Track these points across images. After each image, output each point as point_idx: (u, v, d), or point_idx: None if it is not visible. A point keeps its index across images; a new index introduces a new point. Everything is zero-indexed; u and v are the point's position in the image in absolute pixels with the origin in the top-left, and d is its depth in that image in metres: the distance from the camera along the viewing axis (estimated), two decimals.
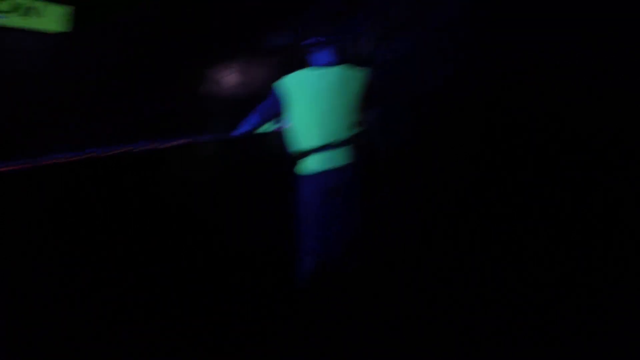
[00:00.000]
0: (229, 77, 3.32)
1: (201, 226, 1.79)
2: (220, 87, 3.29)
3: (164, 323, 1.65)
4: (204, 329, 1.72)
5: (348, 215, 1.90)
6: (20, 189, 1.38)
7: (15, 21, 2.42)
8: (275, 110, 1.92)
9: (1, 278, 1.30)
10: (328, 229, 1.90)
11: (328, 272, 1.92)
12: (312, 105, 1.84)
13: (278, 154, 2.03)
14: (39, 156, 1.53)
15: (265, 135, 2.16)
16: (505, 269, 1.97)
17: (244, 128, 1.99)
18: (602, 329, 1.47)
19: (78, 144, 1.83)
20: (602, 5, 1.43)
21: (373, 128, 2.63)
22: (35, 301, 1.37)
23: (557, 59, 1.68)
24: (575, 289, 1.63)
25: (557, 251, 1.72)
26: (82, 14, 2.59)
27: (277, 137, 2.13)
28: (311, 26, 1.92)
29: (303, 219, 1.92)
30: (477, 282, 2.10)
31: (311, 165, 1.87)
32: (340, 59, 1.92)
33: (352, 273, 1.93)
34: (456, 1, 2.56)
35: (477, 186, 2.27)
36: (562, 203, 1.69)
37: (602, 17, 1.42)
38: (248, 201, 1.98)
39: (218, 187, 1.89)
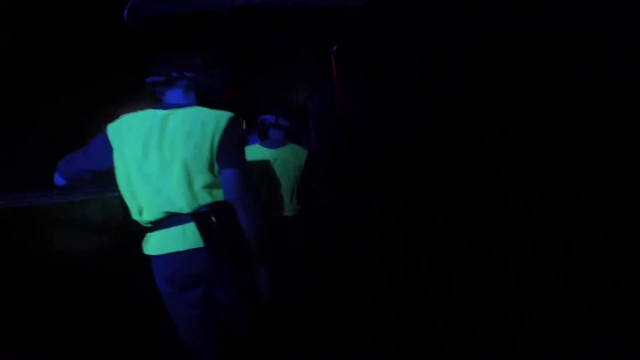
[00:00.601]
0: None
1: None
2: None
3: None
4: None
5: (212, 320, 1.35)
6: None
7: None
8: (93, 165, 1.32)
9: None
10: (185, 334, 1.37)
11: None
12: (142, 159, 1.28)
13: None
14: None
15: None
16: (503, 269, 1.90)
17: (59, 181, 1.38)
18: (601, 329, 1.42)
19: None
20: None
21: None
22: None
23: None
24: (573, 291, 1.57)
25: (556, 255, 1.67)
26: None
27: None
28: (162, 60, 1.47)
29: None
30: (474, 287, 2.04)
31: (148, 246, 1.32)
32: (192, 101, 1.42)
33: None
34: None
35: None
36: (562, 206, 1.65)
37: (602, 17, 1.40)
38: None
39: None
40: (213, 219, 1.23)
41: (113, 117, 1.35)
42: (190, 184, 1.26)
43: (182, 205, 1.26)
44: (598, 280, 1.46)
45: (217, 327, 1.37)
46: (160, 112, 1.32)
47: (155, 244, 1.30)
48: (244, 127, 6.91)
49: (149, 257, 1.33)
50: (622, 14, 1.32)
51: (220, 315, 1.36)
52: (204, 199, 1.27)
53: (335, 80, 3.55)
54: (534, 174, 1.79)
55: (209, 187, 1.29)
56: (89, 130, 1.39)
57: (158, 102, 1.41)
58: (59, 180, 1.35)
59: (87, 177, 1.33)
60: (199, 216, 1.24)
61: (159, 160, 1.27)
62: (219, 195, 1.30)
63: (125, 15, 2.67)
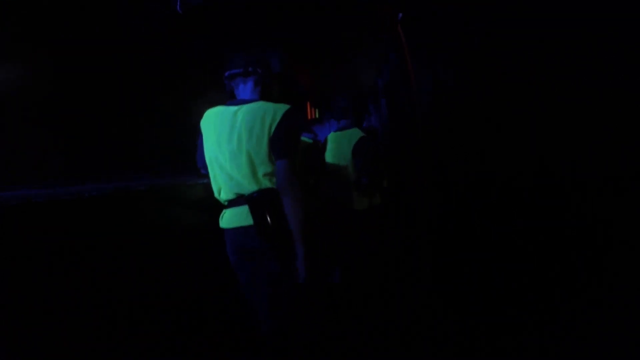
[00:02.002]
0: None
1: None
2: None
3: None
4: None
5: (263, 287, 1.50)
6: None
7: None
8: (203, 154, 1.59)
9: None
10: (249, 296, 1.57)
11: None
12: (217, 150, 1.49)
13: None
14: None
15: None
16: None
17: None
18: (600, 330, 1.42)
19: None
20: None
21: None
22: None
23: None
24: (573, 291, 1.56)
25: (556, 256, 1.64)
26: None
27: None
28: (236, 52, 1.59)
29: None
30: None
31: (222, 220, 1.56)
32: (258, 95, 1.55)
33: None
34: None
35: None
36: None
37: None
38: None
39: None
40: (259, 203, 1.44)
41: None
42: (254, 172, 1.45)
43: (249, 188, 1.46)
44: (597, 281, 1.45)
45: (268, 295, 1.51)
46: (231, 109, 1.52)
47: (227, 219, 1.54)
48: (316, 115, 6.78)
49: (223, 230, 1.57)
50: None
51: (271, 285, 1.50)
52: (266, 184, 1.46)
53: (405, 52, 3.13)
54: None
55: (270, 174, 1.47)
56: None
57: (232, 96, 1.60)
58: (201, 168, 1.64)
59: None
60: (250, 200, 1.46)
61: (229, 152, 1.47)
62: (268, 180, 1.48)
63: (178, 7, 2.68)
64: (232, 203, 1.51)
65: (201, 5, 2.61)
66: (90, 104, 2.13)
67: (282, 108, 1.47)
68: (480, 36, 2.07)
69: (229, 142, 1.46)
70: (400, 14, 2.95)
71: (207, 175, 1.60)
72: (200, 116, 1.60)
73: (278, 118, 1.44)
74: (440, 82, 2.75)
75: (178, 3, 2.63)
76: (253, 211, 1.44)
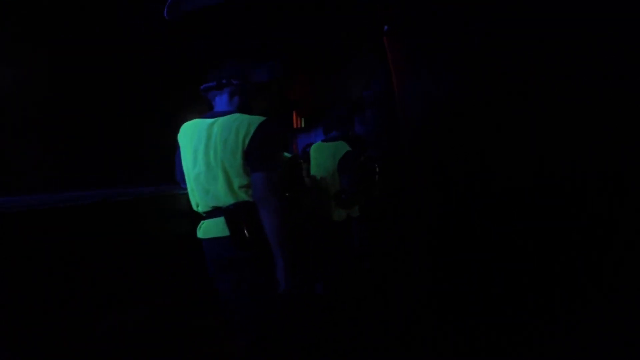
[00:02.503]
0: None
1: None
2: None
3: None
4: None
5: (241, 297, 1.49)
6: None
7: None
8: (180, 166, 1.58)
9: None
10: (226, 306, 1.56)
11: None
12: (194, 162, 1.49)
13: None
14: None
15: None
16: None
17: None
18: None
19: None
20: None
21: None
22: None
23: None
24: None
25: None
26: None
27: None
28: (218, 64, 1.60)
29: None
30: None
31: (200, 230, 1.55)
32: (235, 107, 1.56)
33: None
34: None
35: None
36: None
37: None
38: None
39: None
40: (235, 215, 1.43)
41: None
42: (230, 184, 1.44)
43: (225, 200, 1.45)
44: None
45: (247, 306, 1.50)
46: (207, 121, 1.50)
47: (204, 230, 1.53)
48: (302, 124, 6.78)
49: (200, 241, 1.56)
50: None
51: (250, 296, 1.49)
52: (242, 196, 1.44)
53: (390, 64, 3.16)
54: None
55: (246, 186, 1.45)
56: None
57: (210, 108, 1.59)
58: (181, 182, 1.62)
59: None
60: (227, 212, 1.44)
61: (205, 164, 1.46)
62: (244, 192, 1.46)
63: (165, 13, 2.67)
64: (209, 215, 1.51)
65: (188, 12, 2.60)
66: (88, 106, 2.11)
67: (256, 120, 1.44)
68: (480, 36, 2.09)
69: (205, 154, 1.45)
70: (386, 27, 2.99)
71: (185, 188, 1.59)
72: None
73: (252, 130, 1.42)
74: (439, 82, 2.77)
75: (165, 9, 2.63)
76: (229, 223, 1.43)
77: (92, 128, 2.17)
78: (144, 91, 2.57)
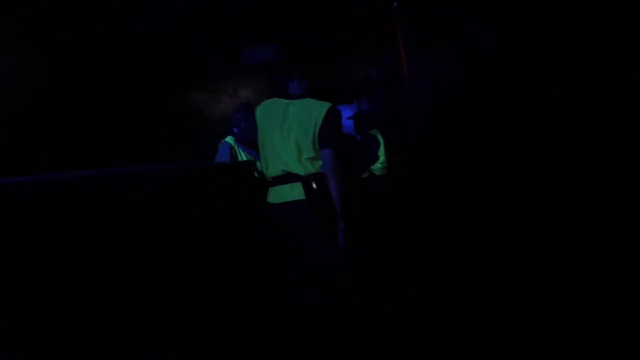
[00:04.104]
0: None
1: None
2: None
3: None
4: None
5: (310, 253, 1.80)
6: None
7: None
8: (250, 137, 2.01)
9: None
10: (294, 264, 1.85)
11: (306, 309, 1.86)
12: (272, 133, 1.83)
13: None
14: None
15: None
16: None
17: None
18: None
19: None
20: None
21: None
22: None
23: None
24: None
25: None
26: None
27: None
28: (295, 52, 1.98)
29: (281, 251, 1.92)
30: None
31: (271, 196, 1.89)
32: (303, 91, 1.90)
33: (324, 311, 1.82)
34: None
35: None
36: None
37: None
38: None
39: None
40: (313, 184, 1.77)
41: None
42: (299, 155, 1.79)
43: (294, 168, 1.79)
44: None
45: (306, 263, 1.81)
46: (283, 101, 1.87)
47: (274, 195, 1.86)
48: None
49: (269, 205, 1.88)
50: None
51: (309, 256, 1.80)
52: (308, 167, 1.79)
53: (399, 43, 3.03)
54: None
55: (312, 159, 1.81)
56: None
57: (283, 91, 1.92)
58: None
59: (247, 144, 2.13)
60: (304, 181, 1.78)
61: (281, 136, 1.81)
62: (318, 165, 1.83)
63: None
64: (278, 180, 1.85)
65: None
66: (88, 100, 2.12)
67: (325, 106, 1.80)
68: (481, 35, 2.01)
69: (280, 129, 1.81)
70: (395, 3, 2.84)
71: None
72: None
73: (322, 115, 1.77)
74: (439, 81, 2.67)
75: None
76: (306, 190, 1.77)
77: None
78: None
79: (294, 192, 1.78)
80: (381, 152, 3.02)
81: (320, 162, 1.81)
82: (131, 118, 2.61)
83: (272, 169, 1.85)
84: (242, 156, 2.65)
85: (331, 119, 1.78)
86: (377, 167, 3.13)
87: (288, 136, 1.79)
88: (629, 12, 1.20)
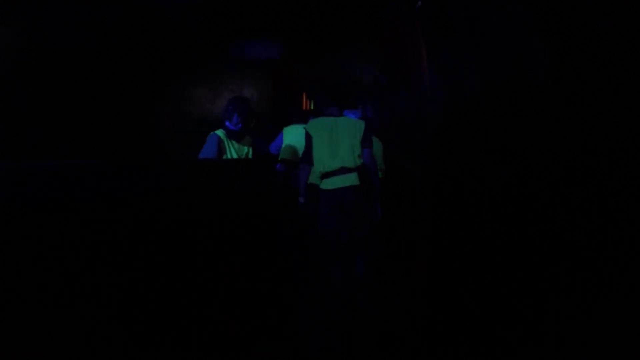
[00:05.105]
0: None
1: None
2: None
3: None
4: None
5: (356, 226, 2.46)
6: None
7: None
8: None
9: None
10: (340, 237, 2.45)
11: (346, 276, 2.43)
12: (328, 141, 2.50)
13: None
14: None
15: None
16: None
17: (302, 180, 2.56)
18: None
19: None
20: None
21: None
22: None
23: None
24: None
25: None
26: None
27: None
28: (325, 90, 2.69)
29: (322, 230, 2.47)
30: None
31: (327, 183, 2.49)
32: (339, 110, 2.64)
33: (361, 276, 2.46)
34: None
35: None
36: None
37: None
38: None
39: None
40: (363, 172, 2.53)
41: None
42: (353, 153, 2.49)
43: (348, 162, 2.48)
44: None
45: (349, 238, 2.47)
46: (331, 119, 2.57)
47: (330, 183, 2.48)
48: (311, 107, 6.67)
49: (323, 191, 2.50)
50: None
51: (353, 232, 2.47)
52: (357, 160, 2.50)
53: (420, 46, 2.97)
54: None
55: (359, 156, 2.52)
56: None
57: (323, 112, 2.67)
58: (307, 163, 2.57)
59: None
60: (359, 170, 2.51)
61: (335, 142, 2.50)
62: (361, 160, 2.53)
63: None
64: (337, 171, 2.47)
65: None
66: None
67: (363, 123, 2.60)
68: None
69: (334, 137, 2.50)
70: (420, 3, 2.78)
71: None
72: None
73: (363, 127, 2.56)
74: (458, 83, 2.64)
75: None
76: (360, 177, 2.49)
77: None
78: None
79: (348, 180, 2.48)
80: (379, 157, 2.99)
81: (361, 160, 2.56)
82: (131, 118, 2.56)
83: (330, 166, 2.48)
84: (232, 151, 2.54)
85: (367, 130, 2.58)
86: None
87: (341, 142, 2.51)
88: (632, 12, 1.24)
